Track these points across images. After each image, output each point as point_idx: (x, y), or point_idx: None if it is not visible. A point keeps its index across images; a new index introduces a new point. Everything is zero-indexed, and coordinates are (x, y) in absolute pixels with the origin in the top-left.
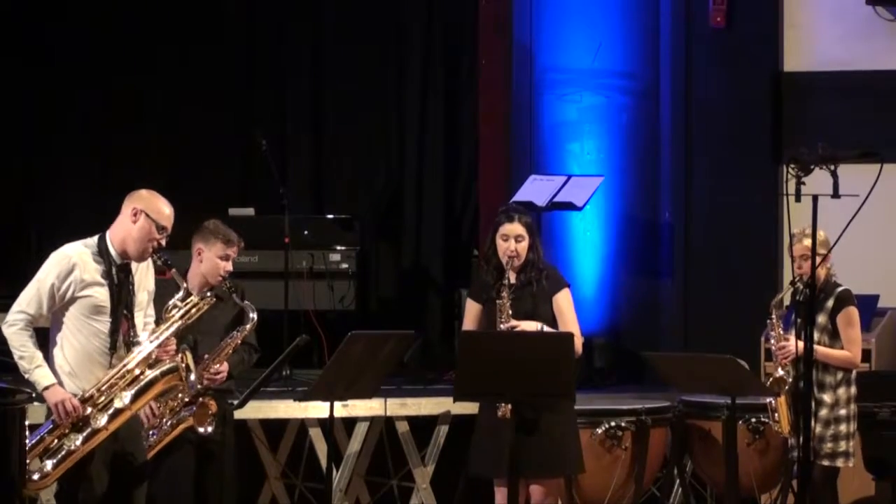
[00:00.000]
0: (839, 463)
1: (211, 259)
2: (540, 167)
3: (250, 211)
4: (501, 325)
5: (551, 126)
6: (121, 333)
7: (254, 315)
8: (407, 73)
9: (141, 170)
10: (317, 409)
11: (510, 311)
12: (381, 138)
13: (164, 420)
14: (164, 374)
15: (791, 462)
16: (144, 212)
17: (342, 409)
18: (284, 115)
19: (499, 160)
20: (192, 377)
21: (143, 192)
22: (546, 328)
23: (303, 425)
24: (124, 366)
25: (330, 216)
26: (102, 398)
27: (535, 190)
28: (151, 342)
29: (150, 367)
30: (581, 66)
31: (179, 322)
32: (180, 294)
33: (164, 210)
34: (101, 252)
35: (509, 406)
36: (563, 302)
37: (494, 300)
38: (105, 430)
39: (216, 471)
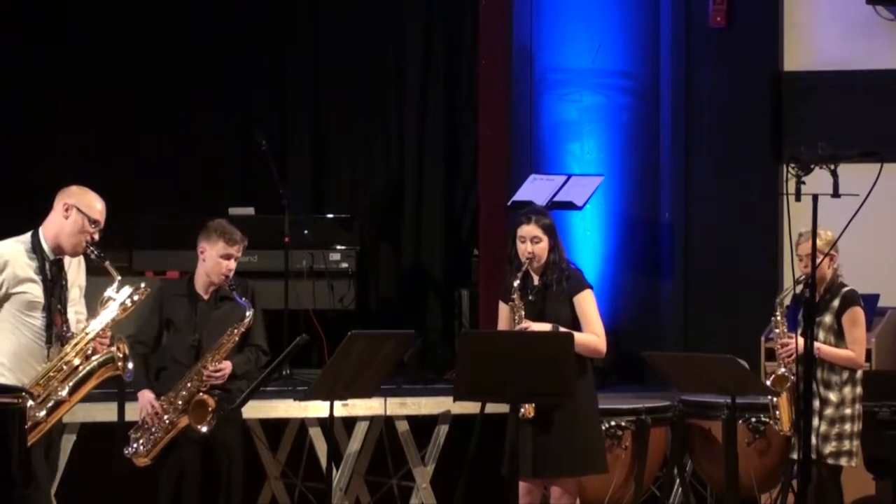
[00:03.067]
0: (843, 462)
1: (213, 258)
2: (540, 167)
3: (250, 211)
4: (515, 326)
5: (551, 126)
6: (55, 329)
7: (250, 313)
8: (407, 73)
9: (140, 170)
10: (317, 409)
11: (523, 313)
12: (381, 138)
13: (166, 420)
14: (101, 365)
15: (792, 461)
16: (76, 207)
17: (342, 409)
18: (284, 115)
19: (499, 160)
20: (130, 365)
21: (74, 188)
22: (561, 329)
23: (303, 425)
24: (60, 359)
25: (330, 216)
26: (40, 391)
27: (535, 189)
28: (88, 334)
29: (87, 359)
30: (581, 66)
31: (115, 313)
32: (115, 286)
33: (95, 205)
34: (35, 248)
35: (529, 406)
36: (585, 303)
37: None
38: (45, 422)
39: (222, 471)
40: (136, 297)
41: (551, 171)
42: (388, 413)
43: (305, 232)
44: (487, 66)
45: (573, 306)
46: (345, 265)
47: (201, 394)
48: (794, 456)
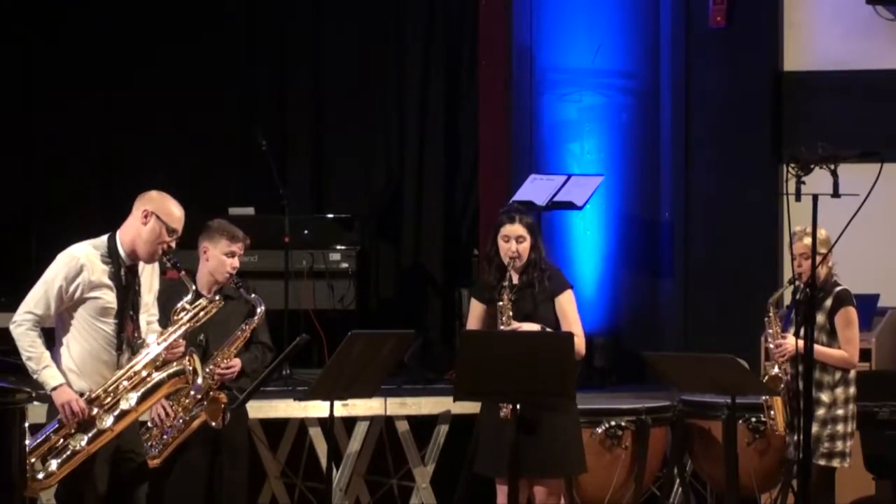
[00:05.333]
0: (836, 463)
1: (217, 257)
2: (540, 167)
3: (250, 211)
4: (502, 327)
5: (551, 126)
6: (126, 334)
7: (261, 308)
8: (407, 73)
9: (141, 170)
10: (317, 409)
11: (510, 313)
12: (381, 138)
13: (178, 419)
14: (170, 377)
15: (789, 461)
16: (155, 214)
17: (342, 409)
18: (284, 115)
19: (499, 160)
20: (199, 381)
21: (154, 194)
22: (547, 330)
23: (303, 425)
24: (131, 367)
25: (330, 216)
26: (108, 399)
27: (535, 189)
28: (159, 344)
29: (157, 369)
30: (581, 66)
31: (188, 324)
32: (189, 297)
33: (174, 212)
34: (111, 253)
35: (510, 407)
36: (566, 303)
37: (496, 301)
38: (111, 431)
39: (226, 469)
40: (210, 309)
41: (551, 171)
42: (388, 413)
43: (305, 232)
44: (487, 66)
45: (555, 306)
46: (345, 265)
47: (212, 392)
48: (788, 455)
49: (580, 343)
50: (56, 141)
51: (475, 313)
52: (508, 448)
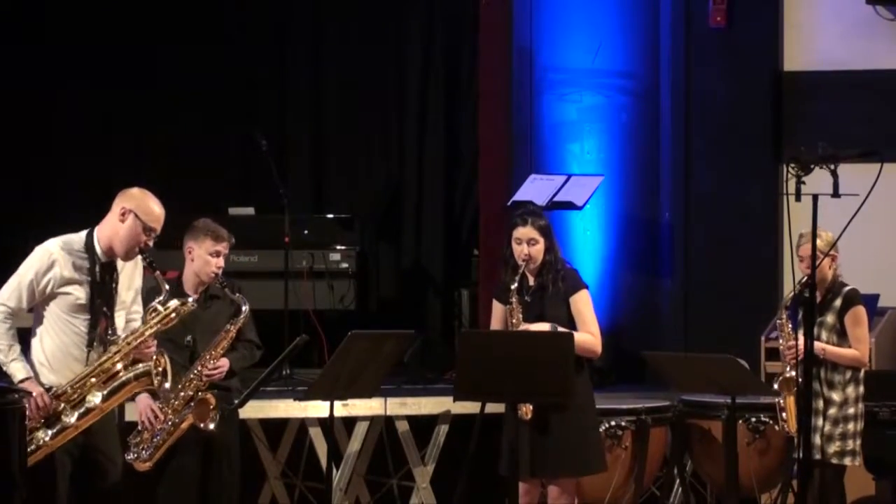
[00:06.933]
0: (847, 461)
1: (202, 256)
2: (540, 167)
3: (250, 211)
4: (511, 328)
5: (551, 126)
6: (98, 331)
7: (246, 307)
8: (407, 73)
9: (140, 170)
10: (317, 409)
11: (520, 315)
12: (381, 138)
13: (167, 421)
14: (137, 377)
15: (794, 460)
16: (133, 212)
17: (342, 409)
18: (284, 115)
19: (499, 160)
20: (167, 384)
21: (135, 191)
22: (560, 329)
23: (303, 425)
24: (100, 364)
25: (330, 216)
26: (75, 395)
27: (535, 190)
28: (129, 343)
29: (126, 367)
30: (581, 66)
31: (157, 326)
32: (162, 297)
33: (154, 210)
34: (87, 249)
35: (530, 406)
36: (581, 303)
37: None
38: (75, 427)
39: (219, 471)
40: (181, 310)
41: (551, 171)
42: (388, 413)
43: (305, 232)
44: (487, 66)
45: (570, 306)
46: (345, 265)
47: (200, 393)
48: (795, 455)
49: (596, 343)
50: (55, 141)
51: (496, 314)
52: (528, 447)
